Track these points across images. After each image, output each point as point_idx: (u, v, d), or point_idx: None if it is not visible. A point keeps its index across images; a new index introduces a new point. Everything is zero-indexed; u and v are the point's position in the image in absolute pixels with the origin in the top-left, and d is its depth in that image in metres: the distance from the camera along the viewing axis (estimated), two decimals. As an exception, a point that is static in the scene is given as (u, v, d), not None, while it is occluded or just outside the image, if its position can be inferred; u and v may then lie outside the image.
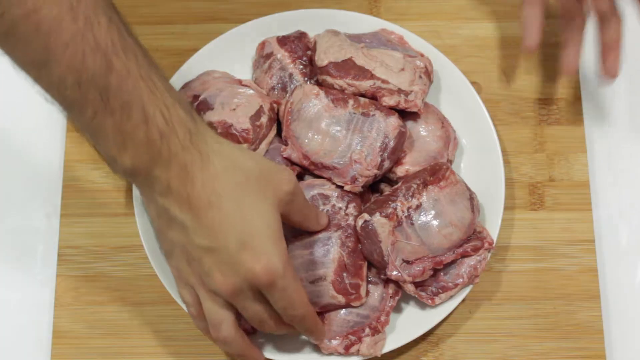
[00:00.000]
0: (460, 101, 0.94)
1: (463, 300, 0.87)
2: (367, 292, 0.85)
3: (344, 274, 0.83)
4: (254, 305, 0.76)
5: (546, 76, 0.98)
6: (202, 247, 0.73)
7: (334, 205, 0.85)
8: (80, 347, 0.89)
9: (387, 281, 0.86)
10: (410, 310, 0.88)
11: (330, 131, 0.87)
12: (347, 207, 0.85)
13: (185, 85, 0.92)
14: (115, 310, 0.90)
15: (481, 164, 0.91)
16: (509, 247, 0.92)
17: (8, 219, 0.94)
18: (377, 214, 0.84)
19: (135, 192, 0.89)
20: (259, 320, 0.77)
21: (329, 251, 0.84)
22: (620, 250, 0.93)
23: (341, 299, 0.83)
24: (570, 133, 0.96)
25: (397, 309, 0.87)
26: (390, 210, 0.84)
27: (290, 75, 0.92)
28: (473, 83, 0.94)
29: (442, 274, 0.86)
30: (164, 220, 0.75)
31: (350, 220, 0.85)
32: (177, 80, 0.93)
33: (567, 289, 0.91)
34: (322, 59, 0.89)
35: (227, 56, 0.95)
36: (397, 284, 0.86)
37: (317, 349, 0.85)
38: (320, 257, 0.84)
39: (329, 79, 0.89)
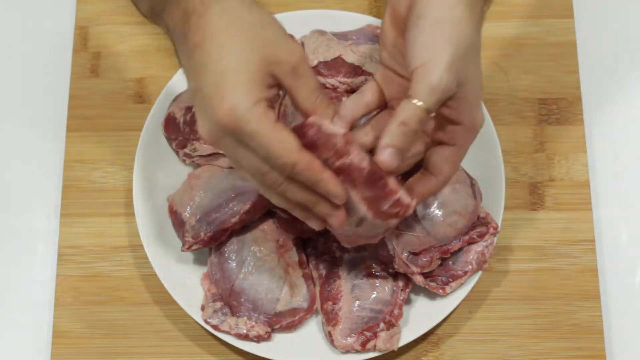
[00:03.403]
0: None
1: (463, 300, 0.87)
2: (412, 197, 0.74)
3: (379, 205, 0.73)
4: (242, 154, 0.70)
5: (546, 76, 0.98)
6: (191, 89, 0.71)
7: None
8: (80, 347, 0.89)
9: (396, 274, 0.86)
10: (422, 302, 0.88)
11: (327, 130, 0.87)
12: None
13: (178, 97, 0.92)
14: (115, 310, 0.91)
15: (481, 164, 0.91)
16: (509, 247, 0.92)
17: (8, 219, 0.94)
18: None
19: (135, 192, 0.89)
20: (257, 172, 0.71)
21: (351, 198, 0.73)
22: (620, 250, 0.93)
23: (393, 222, 0.75)
24: (570, 133, 0.96)
25: (408, 302, 0.88)
26: None
27: (281, 78, 0.92)
28: (473, 83, 0.94)
29: (450, 262, 0.86)
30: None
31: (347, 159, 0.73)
32: (178, 80, 0.93)
33: (567, 289, 0.91)
34: (311, 60, 0.90)
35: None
36: (407, 277, 0.86)
37: (333, 348, 0.85)
38: (349, 206, 0.75)
39: (321, 79, 0.90)
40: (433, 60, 0.68)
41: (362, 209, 0.73)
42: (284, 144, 0.68)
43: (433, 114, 0.70)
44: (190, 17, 0.70)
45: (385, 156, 0.70)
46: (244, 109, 0.67)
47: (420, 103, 0.69)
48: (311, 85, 0.72)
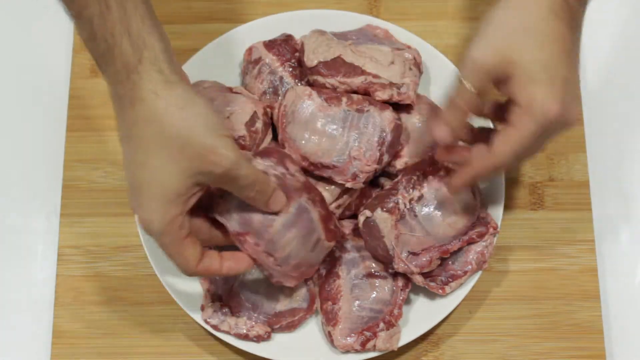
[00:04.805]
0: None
1: (463, 300, 0.87)
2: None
3: (329, 224, 0.82)
4: None
5: (546, 76, 0.98)
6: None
7: (277, 176, 0.80)
8: (80, 347, 0.89)
9: (395, 274, 0.86)
10: (422, 302, 0.88)
11: (327, 130, 0.87)
12: (287, 168, 0.81)
13: None
14: (115, 310, 0.91)
15: (481, 164, 0.91)
16: (509, 247, 0.92)
17: (8, 219, 0.95)
18: (379, 209, 0.84)
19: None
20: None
21: (311, 215, 0.81)
22: (620, 250, 0.93)
23: (332, 244, 0.83)
24: (570, 133, 0.96)
25: (408, 302, 0.88)
26: (391, 205, 0.84)
27: (281, 78, 0.92)
28: (473, 83, 0.94)
29: (450, 262, 0.86)
30: None
31: (299, 176, 0.82)
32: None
33: (566, 289, 0.91)
34: (311, 60, 0.90)
35: (215, 64, 0.94)
36: (406, 277, 0.86)
37: (332, 348, 0.85)
38: (308, 227, 0.81)
39: (320, 79, 0.89)
40: (476, 39, 0.76)
41: (319, 228, 0.81)
42: (185, 261, 0.76)
43: (474, 91, 0.75)
44: (120, 103, 0.73)
45: (437, 131, 0.78)
46: (156, 227, 0.74)
47: (463, 80, 0.75)
48: (248, 184, 0.75)
